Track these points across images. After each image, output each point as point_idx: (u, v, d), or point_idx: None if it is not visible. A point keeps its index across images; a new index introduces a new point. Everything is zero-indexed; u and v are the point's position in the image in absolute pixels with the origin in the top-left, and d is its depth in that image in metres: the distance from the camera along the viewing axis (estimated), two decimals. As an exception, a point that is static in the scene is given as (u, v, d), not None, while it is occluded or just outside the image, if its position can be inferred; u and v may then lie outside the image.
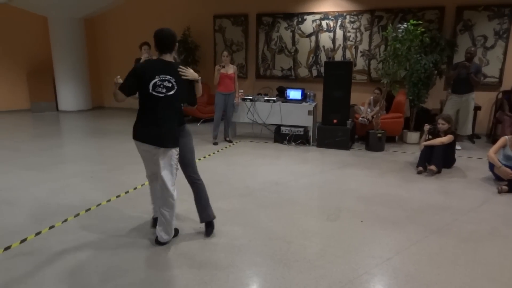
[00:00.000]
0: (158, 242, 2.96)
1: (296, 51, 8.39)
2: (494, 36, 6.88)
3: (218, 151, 5.96)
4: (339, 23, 7.92)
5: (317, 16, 8.06)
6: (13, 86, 9.92)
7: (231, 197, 3.97)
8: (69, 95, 9.78)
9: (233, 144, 6.45)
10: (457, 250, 2.91)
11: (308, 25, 8.17)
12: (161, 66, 2.75)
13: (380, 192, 4.16)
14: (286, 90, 6.72)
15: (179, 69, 2.78)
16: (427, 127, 5.14)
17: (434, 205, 3.80)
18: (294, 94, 6.60)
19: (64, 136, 7.19)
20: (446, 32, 7.14)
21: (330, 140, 6.09)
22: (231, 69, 6.23)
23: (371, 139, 5.95)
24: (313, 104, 6.34)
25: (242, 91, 6.83)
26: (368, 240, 3.06)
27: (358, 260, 2.75)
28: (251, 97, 6.70)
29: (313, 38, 8.20)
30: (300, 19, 8.21)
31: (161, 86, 2.71)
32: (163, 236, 2.93)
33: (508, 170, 4.22)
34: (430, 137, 5.08)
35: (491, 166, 4.51)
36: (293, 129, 6.39)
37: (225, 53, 6.14)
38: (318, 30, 8.12)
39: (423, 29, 5.52)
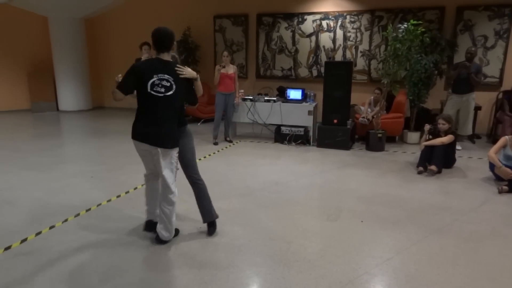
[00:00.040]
0: (159, 241, 2.96)
1: (297, 51, 8.39)
2: (495, 36, 6.88)
3: (218, 151, 5.96)
4: (339, 23, 7.92)
5: (318, 16, 8.06)
6: (14, 86, 9.92)
7: (231, 197, 3.97)
8: (69, 95, 9.78)
9: (233, 144, 6.45)
10: (457, 250, 2.91)
11: (308, 25, 8.17)
12: (159, 65, 2.74)
13: (380, 192, 4.16)
14: (287, 90, 6.72)
15: (176, 68, 2.76)
16: (427, 127, 5.14)
17: (434, 205, 3.80)
18: (295, 94, 6.60)
19: (64, 136, 7.19)
20: (446, 32, 7.13)
21: (330, 140, 6.09)
22: (231, 69, 6.23)
23: (371, 139, 5.95)
24: (313, 104, 6.34)
25: (242, 91, 6.83)
26: (368, 240, 3.06)
27: (358, 260, 2.75)
28: (251, 97, 6.70)
29: (313, 38, 8.20)
30: (300, 19, 8.21)
31: (160, 85, 2.70)
32: (164, 234, 2.93)
33: (508, 170, 4.22)
34: (430, 137, 5.08)
35: (492, 166, 4.51)
36: (293, 129, 6.39)
37: (225, 53, 6.15)
38: (319, 30, 8.12)
39: (423, 29, 5.52)
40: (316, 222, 3.39)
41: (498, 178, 4.47)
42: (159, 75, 2.70)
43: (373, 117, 6.23)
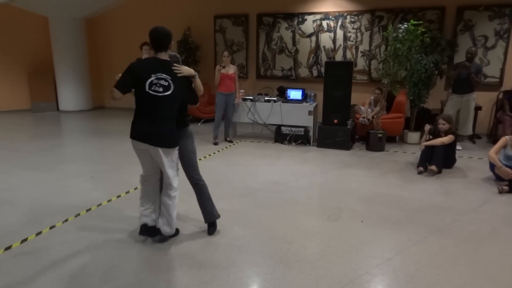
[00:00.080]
0: (162, 236, 2.97)
1: (297, 51, 8.39)
2: (495, 36, 6.88)
3: (218, 151, 5.96)
4: (339, 23, 7.92)
5: (318, 16, 8.06)
6: (14, 86, 9.93)
7: (232, 197, 3.97)
8: (69, 95, 9.79)
9: (234, 144, 6.45)
10: (457, 250, 2.91)
11: (308, 25, 8.17)
12: (157, 64, 2.73)
13: (380, 192, 4.16)
14: (287, 90, 6.72)
15: (173, 67, 2.74)
16: (427, 127, 5.13)
17: (434, 205, 3.80)
18: (295, 94, 6.60)
19: (64, 136, 7.20)
20: (446, 32, 7.13)
21: (331, 140, 6.09)
22: (231, 69, 6.24)
23: (371, 139, 5.95)
24: (314, 104, 6.34)
25: (242, 91, 6.83)
26: (368, 240, 3.06)
27: (359, 260, 2.75)
28: (251, 97, 6.70)
29: (313, 38, 8.20)
30: (300, 19, 8.21)
31: (158, 84, 2.68)
32: (166, 229, 2.93)
33: (508, 170, 4.22)
34: (430, 137, 5.08)
35: (492, 166, 4.50)
36: (293, 129, 6.39)
37: (226, 53, 6.15)
38: (319, 30, 8.12)
39: (423, 29, 5.52)
40: (317, 222, 3.39)
41: (499, 178, 4.47)
42: (157, 74, 2.69)
43: (373, 117, 6.23)
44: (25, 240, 3.03)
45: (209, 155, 5.70)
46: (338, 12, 7.89)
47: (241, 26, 8.78)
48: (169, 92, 2.70)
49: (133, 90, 2.75)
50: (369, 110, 6.51)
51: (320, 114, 6.52)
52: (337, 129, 6.04)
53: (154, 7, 9.57)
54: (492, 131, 6.96)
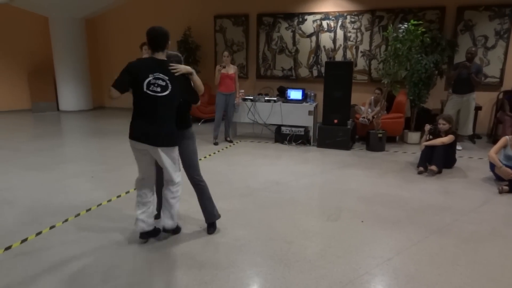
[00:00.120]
0: (164, 230, 3.00)
1: (297, 51, 8.39)
2: (495, 36, 6.88)
3: (218, 151, 5.96)
4: (339, 23, 7.92)
5: (318, 16, 8.06)
6: (14, 86, 9.93)
7: (232, 197, 3.97)
8: (69, 95, 9.79)
9: (234, 144, 6.45)
10: (457, 250, 2.91)
11: (308, 25, 8.17)
12: (154, 64, 2.72)
13: (380, 192, 4.16)
14: (287, 90, 6.72)
15: (169, 67, 2.73)
16: (427, 127, 5.13)
17: (434, 205, 3.80)
18: (295, 94, 6.60)
19: (64, 136, 7.20)
20: (446, 32, 7.13)
21: (331, 140, 6.09)
22: (231, 69, 6.24)
23: (371, 139, 5.95)
24: (314, 104, 6.34)
25: (242, 91, 6.83)
26: (368, 240, 3.06)
27: (359, 260, 2.75)
28: (251, 97, 6.70)
29: (313, 38, 8.20)
30: (300, 19, 8.21)
31: (155, 84, 2.68)
32: (168, 222, 2.95)
33: (508, 170, 4.22)
34: (430, 137, 5.08)
35: (492, 166, 4.50)
36: (293, 129, 6.39)
37: (226, 53, 6.15)
38: (319, 30, 8.12)
39: (423, 29, 5.51)
40: (317, 222, 3.38)
41: (499, 178, 4.46)
42: (155, 74, 2.69)
43: (373, 117, 6.23)
44: (25, 240, 3.03)
45: (209, 155, 5.70)
46: (338, 12, 7.89)
47: (241, 26, 8.78)
48: (167, 92, 2.70)
49: (131, 89, 2.74)
50: (369, 110, 6.51)
51: (320, 114, 6.52)
52: (337, 129, 6.04)
53: (154, 7, 9.57)
54: (492, 131, 6.96)
